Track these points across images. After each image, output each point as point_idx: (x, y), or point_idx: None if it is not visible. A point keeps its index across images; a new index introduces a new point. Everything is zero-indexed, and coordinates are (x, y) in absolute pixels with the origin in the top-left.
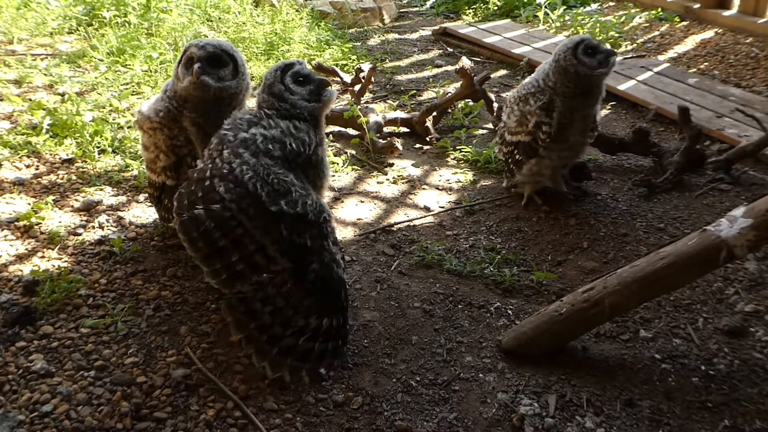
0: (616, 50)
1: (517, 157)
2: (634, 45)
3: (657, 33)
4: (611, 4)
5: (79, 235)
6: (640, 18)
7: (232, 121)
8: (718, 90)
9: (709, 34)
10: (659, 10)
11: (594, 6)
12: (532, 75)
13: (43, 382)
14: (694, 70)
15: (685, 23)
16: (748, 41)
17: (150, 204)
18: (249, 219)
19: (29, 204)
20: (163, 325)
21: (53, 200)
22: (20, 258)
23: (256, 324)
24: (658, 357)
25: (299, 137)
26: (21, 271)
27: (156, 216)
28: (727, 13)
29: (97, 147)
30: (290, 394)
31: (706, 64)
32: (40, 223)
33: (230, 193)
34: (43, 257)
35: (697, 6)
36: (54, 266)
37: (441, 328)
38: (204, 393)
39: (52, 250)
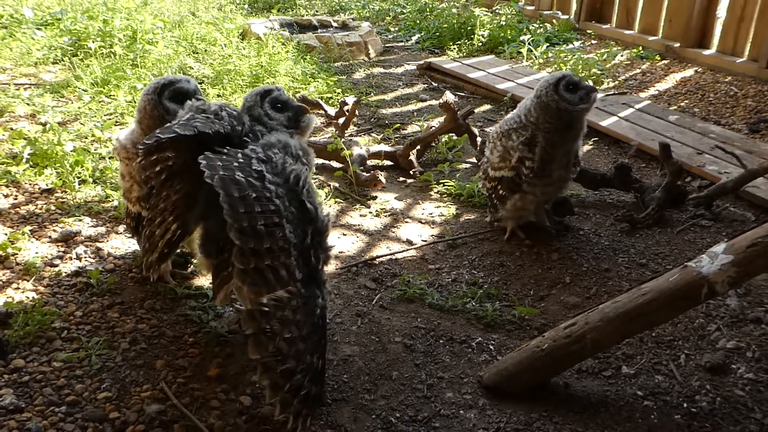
0: (597, 87)
1: (500, 192)
2: (616, 82)
3: (638, 71)
4: (593, 42)
5: (56, 266)
6: (621, 56)
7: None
8: (698, 127)
9: (689, 72)
10: (640, 48)
11: (576, 44)
12: (514, 111)
13: (12, 417)
14: (675, 107)
15: (665, 62)
16: (727, 80)
17: (129, 235)
18: (285, 207)
19: (6, 234)
20: (138, 359)
21: (30, 230)
22: None
23: (275, 347)
24: (641, 394)
25: None
26: None
27: (135, 247)
28: (706, 52)
29: (78, 177)
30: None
31: (686, 101)
32: (16, 254)
33: (271, 174)
34: (17, 288)
35: (677, 45)
36: (28, 298)
37: (422, 364)
38: (178, 429)
39: (28, 281)
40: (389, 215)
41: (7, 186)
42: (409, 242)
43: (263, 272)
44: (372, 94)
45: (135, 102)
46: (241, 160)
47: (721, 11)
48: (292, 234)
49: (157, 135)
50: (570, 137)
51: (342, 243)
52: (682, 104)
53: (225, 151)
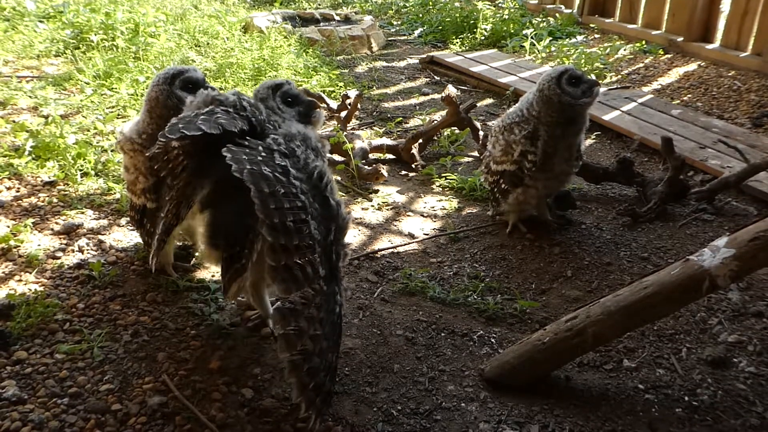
0: (600, 81)
1: (503, 186)
2: (619, 76)
3: (641, 65)
4: (596, 36)
5: (58, 258)
6: (624, 50)
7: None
8: (701, 121)
9: (692, 66)
10: (643, 42)
11: (579, 38)
12: (516, 105)
13: (15, 409)
14: (678, 101)
15: (668, 56)
16: (730, 74)
17: (132, 228)
18: (309, 203)
19: (8, 227)
20: (140, 351)
21: (33, 223)
22: None
23: (302, 345)
24: (642, 387)
25: None
26: None
27: (137, 240)
28: (710, 46)
29: (80, 170)
30: (269, 424)
31: (689, 96)
32: (19, 246)
33: (294, 169)
34: (20, 281)
35: (680, 39)
36: (31, 290)
37: (423, 357)
38: (180, 421)
39: (30, 273)
40: (391, 209)
41: (9, 178)
42: (411, 236)
43: (292, 269)
44: (374, 87)
45: (137, 95)
46: (264, 155)
47: (725, 5)
48: (316, 231)
49: (181, 131)
50: (572, 131)
51: None
52: (685, 98)
53: (246, 143)
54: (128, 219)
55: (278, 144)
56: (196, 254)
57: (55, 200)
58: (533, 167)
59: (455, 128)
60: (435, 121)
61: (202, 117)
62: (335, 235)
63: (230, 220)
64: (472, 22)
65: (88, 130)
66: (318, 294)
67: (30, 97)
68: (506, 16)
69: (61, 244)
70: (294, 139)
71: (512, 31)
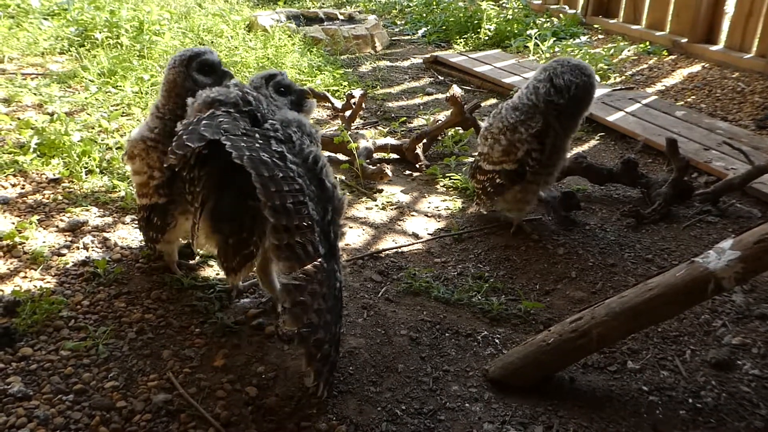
0: (604, 82)
1: (498, 182)
2: (623, 77)
3: (645, 66)
4: (600, 37)
5: (63, 255)
6: (628, 51)
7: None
8: (705, 123)
9: (696, 68)
10: (647, 43)
11: (583, 38)
12: (509, 104)
13: (20, 405)
14: (682, 103)
15: (672, 57)
16: (734, 76)
17: (136, 225)
18: (306, 186)
19: (13, 223)
20: (145, 348)
21: (38, 220)
22: (2, 278)
23: (307, 318)
24: (646, 389)
25: None
26: (2, 291)
27: (142, 238)
28: (714, 48)
29: (85, 167)
30: (273, 422)
31: (693, 97)
32: (24, 243)
33: (290, 154)
34: (25, 277)
35: (684, 40)
36: (36, 287)
37: (427, 357)
38: (185, 419)
39: (35, 270)
40: (395, 208)
41: (14, 175)
42: (415, 235)
43: (294, 248)
44: (378, 87)
45: (142, 93)
46: (261, 141)
47: (729, 6)
48: (314, 211)
49: (186, 143)
50: (576, 123)
51: (348, 235)
52: (689, 100)
53: (243, 129)
54: (135, 218)
55: (275, 130)
56: (199, 251)
57: (60, 197)
58: (537, 164)
59: (459, 128)
60: (439, 121)
61: (204, 122)
62: (332, 215)
63: (233, 204)
64: (475, 22)
65: (93, 128)
66: (319, 270)
67: (35, 94)
68: (510, 17)
69: (66, 241)
70: (290, 125)
71: (516, 31)
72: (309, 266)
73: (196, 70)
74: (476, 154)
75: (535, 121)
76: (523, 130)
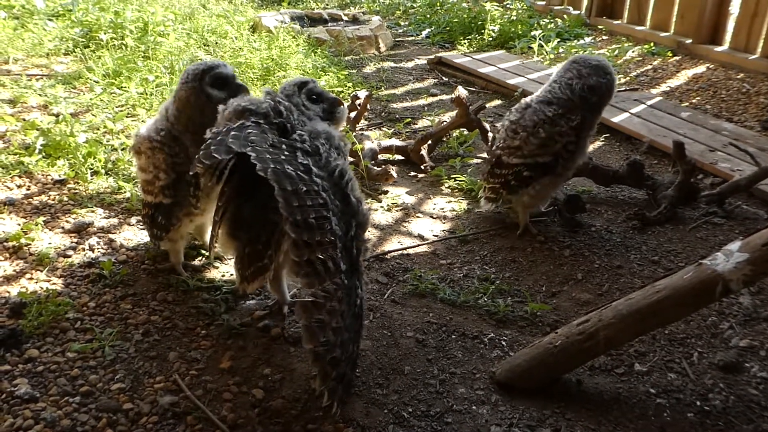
0: None
1: (525, 174)
2: (628, 78)
3: (650, 67)
4: (604, 37)
5: (69, 257)
6: (633, 52)
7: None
8: (710, 124)
9: (701, 69)
10: (652, 44)
11: (587, 39)
12: (537, 100)
13: (27, 407)
14: (687, 104)
15: (677, 58)
16: (739, 77)
17: (142, 227)
18: (330, 200)
19: (19, 225)
20: (151, 350)
21: (44, 221)
22: (8, 279)
23: (324, 336)
24: (653, 391)
25: None
26: (8, 292)
27: (148, 239)
28: (718, 48)
29: (90, 168)
30: (279, 425)
31: (698, 98)
32: (30, 244)
33: (316, 167)
34: (31, 279)
35: (689, 41)
36: (42, 288)
37: (434, 359)
38: (191, 421)
39: (41, 271)
40: (400, 210)
41: (20, 176)
42: (421, 237)
43: (314, 264)
44: (382, 88)
45: (146, 94)
46: (287, 153)
47: (734, 7)
48: (337, 227)
49: (213, 154)
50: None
51: None
52: (693, 101)
53: (271, 142)
54: (140, 218)
55: (303, 141)
56: (205, 253)
57: (65, 199)
58: (570, 157)
59: (464, 129)
60: (444, 122)
61: (233, 134)
62: (356, 231)
63: (253, 214)
64: (479, 23)
65: (98, 129)
66: (339, 288)
67: (40, 95)
68: (514, 18)
69: (72, 242)
70: (318, 137)
71: (520, 32)
72: (329, 283)
73: (209, 85)
74: (494, 149)
75: (575, 114)
76: (563, 123)
